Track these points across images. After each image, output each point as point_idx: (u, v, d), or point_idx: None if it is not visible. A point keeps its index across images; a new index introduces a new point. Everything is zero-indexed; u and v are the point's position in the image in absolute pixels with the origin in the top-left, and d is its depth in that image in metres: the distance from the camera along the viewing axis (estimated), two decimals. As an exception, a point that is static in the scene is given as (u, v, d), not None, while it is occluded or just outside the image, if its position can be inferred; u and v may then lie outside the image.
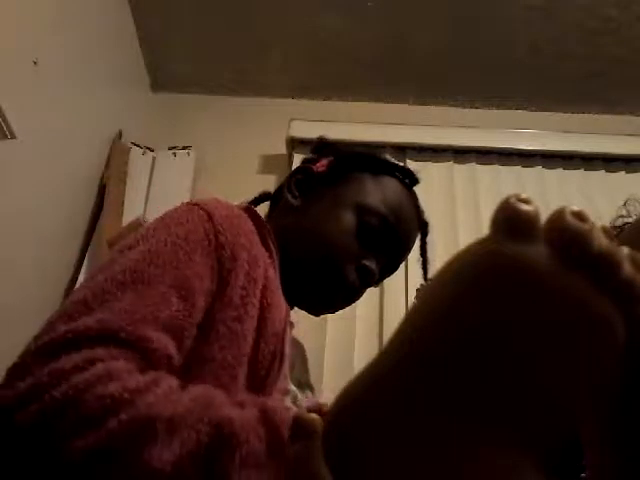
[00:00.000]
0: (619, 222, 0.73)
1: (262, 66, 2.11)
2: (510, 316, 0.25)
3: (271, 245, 0.75)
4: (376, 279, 0.81)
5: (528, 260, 0.25)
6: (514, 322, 0.25)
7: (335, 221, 0.78)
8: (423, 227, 0.91)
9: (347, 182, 0.83)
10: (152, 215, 1.68)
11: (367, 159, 0.86)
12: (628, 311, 0.25)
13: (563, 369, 0.25)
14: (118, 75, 1.98)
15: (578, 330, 0.25)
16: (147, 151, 1.95)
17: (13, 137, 1.28)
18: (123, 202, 1.79)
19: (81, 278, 1.64)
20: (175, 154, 1.96)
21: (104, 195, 1.77)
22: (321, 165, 0.86)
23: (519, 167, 2.05)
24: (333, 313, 0.85)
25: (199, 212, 0.65)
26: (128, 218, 1.73)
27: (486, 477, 0.24)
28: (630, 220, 0.72)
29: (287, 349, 0.71)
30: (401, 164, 0.88)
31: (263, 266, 0.68)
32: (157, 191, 1.87)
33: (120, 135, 1.92)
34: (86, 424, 0.42)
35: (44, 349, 0.47)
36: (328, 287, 0.79)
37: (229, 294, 0.62)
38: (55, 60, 1.55)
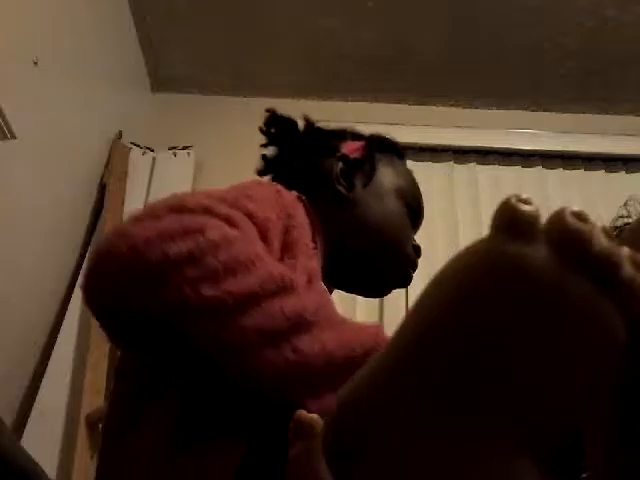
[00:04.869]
0: (619, 222, 0.74)
1: (262, 66, 2.11)
2: (510, 316, 0.25)
3: (317, 237, 0.75)
4: None
5: (528, 260, 0.25)
6: (514, 322, 0.25)
7: (392, 212, 0.82)
8: None
9: (380, 167, 0.85)
10: (152, 215, 1.68)
11: (386, 141, 0.90)
12: (628, 311, 0.25)
13: (563, 369, 0.25)
14: (118, 75, 1.98)
15: (578, 330, 0.25)
16: (147, 151, 1.95)
17: (13, 137, 1.28)
18: (123, 202, 1.79)
19: (81, 278, 1.64)
20: (175, 154, 1.96)
21: (104, 195, 1.78)
22: (354, 151, 0.85)
23: (519, 167, 2.06)
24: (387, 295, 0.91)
25: (270, 186, 0.69)
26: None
27: (486, 477, 0.25)
28: (630, 220, 0.72)
29: None
30: (394, 141, 0.93)
31: (313, 258, 0.70)
32: (157, 191, 1.87)
33: (120, 135, 1.92)
34: (232, 270, 0.47)
35: (176, 206, 0.52)
36: (399, 272, 0.84)
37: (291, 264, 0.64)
38: (55, 60, 1.55)
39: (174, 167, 1.93)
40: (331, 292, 0.83)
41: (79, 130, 1.70)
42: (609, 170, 2.06)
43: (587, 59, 2.02)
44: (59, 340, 1.52)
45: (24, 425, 1.39)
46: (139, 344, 0.53)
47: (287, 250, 0.63)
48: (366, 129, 0.93)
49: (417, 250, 0.85)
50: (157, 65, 2.15)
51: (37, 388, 1.45)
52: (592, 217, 0.26)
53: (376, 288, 0.87)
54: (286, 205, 0.67)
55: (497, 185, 1.99)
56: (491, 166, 2.05)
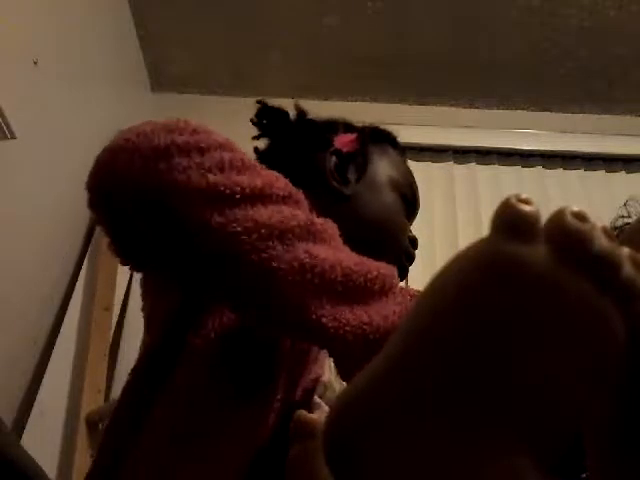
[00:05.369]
0: (619, 222, 0.73)
1: (262, 66, 2.11)
2: (510, 316, 0.25)
3: None
4: None
5: (528, 260, 0.25)
6: (514, 322, 0.25)
7: (388, 205, 0.81)
8: None
9: (374, 158, 0.84)
10: (152, 215, 1.68)
11: (378, 131, 0.89)
12: (628, 311, 0.25)
13: (563, 369, 0.25)
14: (118, 75, 1.97)
15: (578, 330, 0.25)
16: (147, 151, 1.95)
17: (13, 137, 1.27)
18: (123, 202, 1.78)
19: (81, 278, 1.64)
20: (175, 154, 1.96)
21: (104, 195, 1.77)
22: (346, 143, 0.84)
23: (519, 167, 2.05)
24: None
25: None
26: (128, 218, 1.72)
27: (487, 477, 0.24)
28: (630, 220, 0.72)
29: None
30: (387, 129, 0.92)
31: None
32: (157, 191, 1.86)
33: (120, 135, 1.92)
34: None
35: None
36: (395, 265, 0.82)
37: None
38: (55, 60, 1.55)
39: (174, 167, 1.93)
40: None
41: (79, 130, 1.70)
42: (609, 170, 2.06)
43: (587, 59, 2.02)
44: (59, 340, 1.52)
45: (24, 425, 1.39)
46: (145, 253, 0.50)
47: None
48: (366, 129, 0.92)
49: (413, 242, 0.84)
50: (157, 65, 2.15)
51: (37, 388, 1.45)
52: (592, 217, 0.26)
53: None
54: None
55: (497, 185, 1.99)
56: (491, 166, 2.05)
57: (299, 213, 0.47)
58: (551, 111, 2.18)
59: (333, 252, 0.47)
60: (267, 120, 0.90)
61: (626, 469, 0.29)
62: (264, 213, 0.44)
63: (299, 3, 1.92)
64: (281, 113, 0.90)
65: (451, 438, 0.25)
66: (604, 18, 1.89)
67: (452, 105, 2.19)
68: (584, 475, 0.47)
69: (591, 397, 0.26)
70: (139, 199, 0.47)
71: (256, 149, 0.93)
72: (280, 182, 0.49)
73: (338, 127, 0.87)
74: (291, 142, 0.88)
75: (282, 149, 0.89)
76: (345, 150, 0.83)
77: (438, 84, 2.13)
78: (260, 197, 0.46)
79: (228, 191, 0.45)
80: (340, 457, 0.27)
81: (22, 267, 1.43)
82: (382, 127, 0.90)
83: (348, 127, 0.88)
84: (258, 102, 0.91)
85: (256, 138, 0.92)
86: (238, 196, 0.44)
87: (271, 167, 0.89)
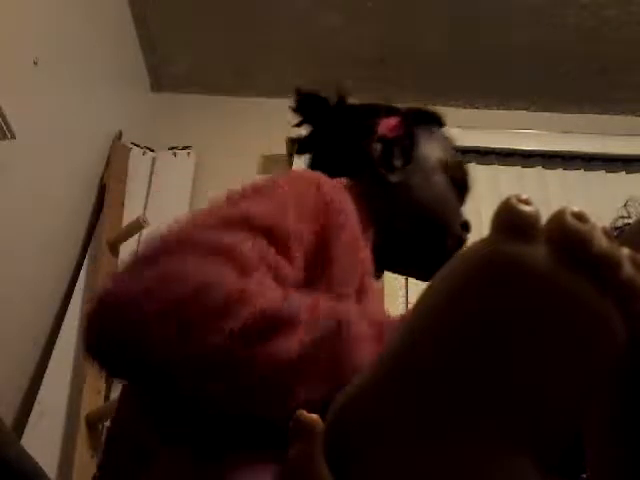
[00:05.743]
0: (619, 223, 0.73)
1: (262, 66, 2.11)
2: (510, 316, 0.25)
3: (366, 224, 0.73)
4: None
5: (528, 261, 0.25)
6: (514, 322, 0.25)
7: (439, 190, 0.80)
8: None
9: (420, 141, 0.82)
10: (152, 215, 1.68)
11: (422, 112, 0.87)
12: (628, 311, 0.25)
13: (563, 369, 0.25)
14: (118, 75, 1.97)
15: (578, 330, 0.25)
16: (147, 151, 1.95)
17: (13, 137, 1.27)
18: (123, 202, 1.79)
19: (81, 278, 1.64)
20: (175, 154, 1.96)
21: (104, 195, 1.77)
22: (392, 129, 0.82)
23: (519, 167, 2.05)
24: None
25: (309, 182, 0.65)
26: (128, 218, 1.73)
27: (487, 478, 0.25)
28: (630, 221, 0.72)
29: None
30: (431, 109, 0.89)
31: (363, 248, 0.68)
32: (157, 191, 1.87)
33: (120, 135, 1.92)
34: (222, 313, 0.44)
35: (171, 245, 0.49)
36: (449, 251, 0.80)
37: (329, 272, 0.60)
38: (55, 60, 1.55)
39: (174, 167, 1.93)
40: (380, 277, 0.82)
41: (79, 130, 1.70)
42: (609, 170, 2.06)
43: (587, 59, 2.02)
44: (59, 340, 1.52)
45: (24, 425, 1.39)
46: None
47: (324, 252, 0.60)
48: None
49: (466, 226, 0.83)
50: (157, 65, 2.15)
51: (37, 388, 1.45)
52: (592, 217, 0.26)
53: (427, 268, 0.82)
54: (328, 202, 0.63)
55: (497, 185, 1.99)
56: (491, 166, 2.05)
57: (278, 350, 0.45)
58: (551, 111, 2.18)
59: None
60: (307, 106, 0.90)
61: (626, 469, 0.29)
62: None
63: (299, 3, 1.92)
64: (320, 100, 0.90)
65: (451, 438, 0.25)
66: (604, 18, 1.89)
67: (452, 105, 2.19)
68: (584, 475, 0.47)
69: (591, 397, 0.26)
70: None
71: (292, 139, 0.93)
72: (262, 310, 0.46)
73: (380, 111, 0.85)
74: (333, 129, 0.87)
75: (324, 137, 0.88)
76: (390, 135, 0.81)
77: (438, 84, 2.13)
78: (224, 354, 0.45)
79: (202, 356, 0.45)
80: (340, 457, 0.27)
81: (22, 267, 1.43)
82: (426, 108, 0.88)
83: (390, 110, 0.86)
84: (296, 90, 0.91)
85: (297, 126, 0.91)
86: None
87: (314, 155, 0.88)
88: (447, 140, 0.86)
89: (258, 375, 0.43)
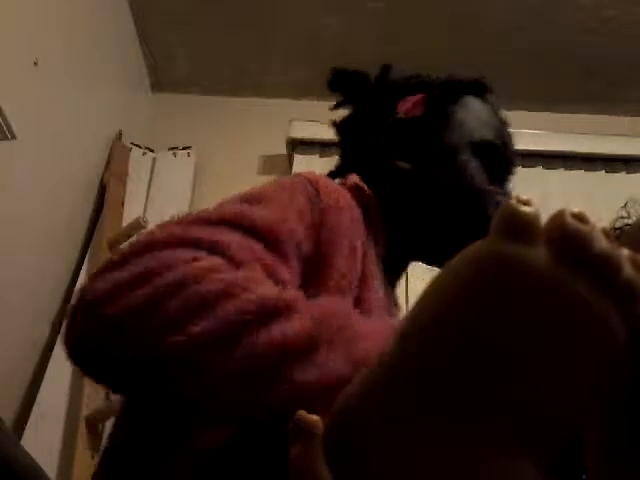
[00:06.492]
0: (619, 223, 0.73)
1: (262, 66, 2.11)
2: (510, 317, 0.25)
3: (376, 226, 0.69)
4: None
5: (528, 261, 0.25)
6: (514, 323, 0.25)
7: (464, 173, 0.71)
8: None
9: (446, 121, 0.74)
10: (152, 215, 1.68)
11: (451, 86, 0.77)
12: (628, 312, 0.25)
13: (563, 369, 0.25)
14: (118, 75, 1.97)
15: (578, 331, 0.25)
16: (147, 151, 1.95)
17: (13, 137, 1.27)
18: (123, 202, 1.79)
19: (81, 278, 1.64)
20: (175, 154, 1.96)
21: (104, 195, 1.77)
22: (411, 109, 0.75)
23: (519, 167, 2.05)
24: None
25: (305, 186, 0.61)
26: (128, 218, 1.73)
27: (487, 478, 0.25)
28: (630, 221, 0.72)
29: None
30: (469, 77, 0.79)
31: (361, 251, 0.63)
32: (157, 191, 1.87)
33: (120, 135, 1.92)
34: (198, 308, 0.41)
35: (143, 245, 0.46)
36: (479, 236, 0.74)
37: (326, 277, 0.57)
38: (55, 60, 1.55)
39: (174, 167, 1.93)
40: (399, 277, 0.77)
41: (79, 130, 1.70)
42: (609, 170, 2.06)
43: (587, 59, 2.02)
44: (59, 340, 1.52)
45: (24, 425, 1.39)
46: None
47: (322, 261, 0.57)
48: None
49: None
50: (157, 65, 2.15)
51: (37, 388, 1.45)
52: (592, 218, 0.26)
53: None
54: (326, 209, 0.60)
55: (497, 185, 1.99)
56: (491, 166, 2.05)
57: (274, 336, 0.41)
58: (551, 111, 2.18)
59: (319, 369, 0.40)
60: (345, 85, 0.82)
61: (626, 470, 0.29)
62: (231, 362, 0.40)
63: (299, 3, 1.92)
64: (359, 76, 0.81)
65: (451, 439, 0.25)
66: (604, 18, 1.89)
67: (452, 105, 2.19)
68: (584, 475, 0.47)
69: (591, 398, 0.26)
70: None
71: (334, 123, 0.84)
72: (251, 303, 0.42)
73: (408, 87, 0.78)
74: (364, 112, 0.79)
75: (358, 120, 0.80)
76: (410, 115, 0.74)
77: (438, 84, 2.13)
78: (221, 341, 0.41)
79: (189, 349, 0.41)
80: (340, 457, 0.27)
81: (22, 267, 1.43)
82: (458, 77, 0.78)
83: (419, 86, 0.78)
84: (333, 70, 0.83)
85: (336, 107, 0.84)
86: (201, 349, 0.40)
87: (349, 141, 0.80)
88: (482, 113, 0.77)
89: (252, 363, 0.39)
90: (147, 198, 1.84)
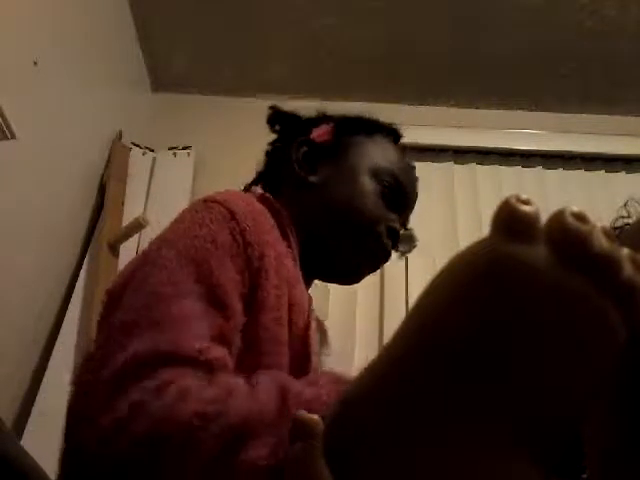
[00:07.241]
0: (619, 223, 0.73)
1: (262, 66, 2.11)
2: (510, 317, 0.25)
3: (289, 232, 0.73)
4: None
5: (528, 261, 0.25)
6: (514, 323, 0.25)
7: (360, 190, 0.79)
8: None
9: (353, 147, 0.83)
10: (152, 215, 1.68)
11: (363, 121, 0.87)
12: (628, 312, 0.25)
13: (563, 369, 0.25)
14: (118, 75, 1.97)
15: (578, 331, 0.25)
16: (147, 151, 1.95)
17: (13, 137, 1.27)
18: (123, 202, 1.79)
19: (81, 278, 1.64)
20: (175, 154, 1.96)
21: (104, 195, 1.77)
22: (321, 134, 0.84)
23: (519, 167, 2.05)
24: (360, 281, 0.85)
25: (220, 210, 0.63)
26: (128, 218, 1.73)
27: (486, 477, 0.25)
28: (630, 221, 0.72)
29: (314, 347, 0.69)
30: (386, 122, 0.90)
31: (286, 262, 0.67)
32: (157, 191, 1.87)
33: (120, 135, 1.92)
34: (181, 450, 0.43)
35: (110, 382, 0.48)
36: (367, 253, 0.80)
37: (262, 296, 0.61)
38: (55, 60, 1.55)
39: (174, 167, 1.93)
40: (310, 285, 0.82)
41: (79, 130, 1.70)
42: (609, 170, 2.06)
43: (587, 59, 2.02)
44: (59, 340, 1.52)
45: (24, 425, 1.39)
46: None
47: (255, 283, 0.61)
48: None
49: (392, 232, 0.80)
50: (157, 65, 2.15)
51: (37, 388, 1.45)
52: (592, 217, 0.26)
53: (346, 273, 0.83)
54: (242, 229, 0.62)
55: (497, 185, 1.99)
56: (491, 166, 2.05)
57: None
58: (551, 111, 2.18)
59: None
60: (280, 125, 0.91)
61: (626, 469, 0.29)
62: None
63: (299, 3, 1.92)
64: (291, 117, 0.91)
65: (451, 440, 0.25)
66: (604, 18, 1.89)
67: (452, 105, 2.19)
68: (584, 475, 0.47)
69: (591, 398, 0.26)
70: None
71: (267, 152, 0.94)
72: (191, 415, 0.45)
73: (322, 120, 0.87)
74: (284, 138, 0.89)
75: (279, 144, 0.91)
76: (320, 140, 0.83)
77: (438, 84, 2.13)
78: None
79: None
80: (340, 457, 0.27)
81: (22, 267, 1.43)
82: (368, 117, 0.88)
83: (330, 119, 0.88)
84: (271, 108, 0.92)
85: (271, 144, 0.93)
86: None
87: (269, 163, 0.90)
88: (390, 151, 0.85)
89: None
90: (147, 198, 1.84)
